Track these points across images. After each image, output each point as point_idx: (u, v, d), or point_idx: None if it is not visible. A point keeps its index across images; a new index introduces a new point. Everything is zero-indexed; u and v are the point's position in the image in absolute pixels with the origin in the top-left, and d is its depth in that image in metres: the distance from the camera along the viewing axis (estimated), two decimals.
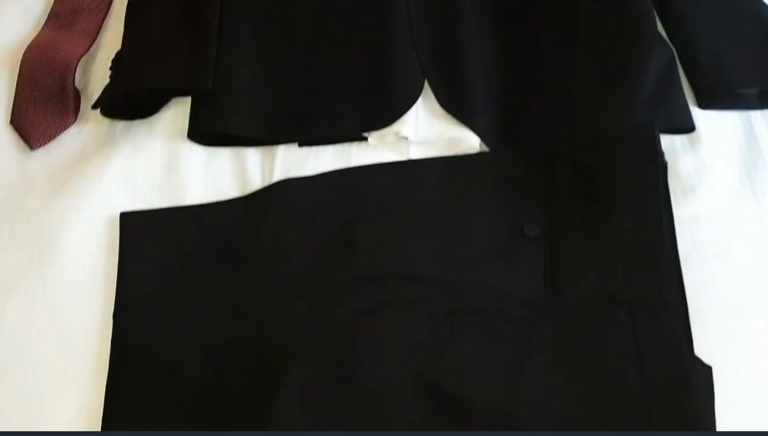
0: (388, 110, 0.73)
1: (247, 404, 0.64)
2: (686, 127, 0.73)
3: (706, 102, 0.75)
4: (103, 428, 0.65)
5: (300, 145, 0.76)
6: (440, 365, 0.63)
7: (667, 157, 0.71)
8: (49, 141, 0.77)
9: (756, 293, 0.66)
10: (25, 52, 0.81)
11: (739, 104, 0.75)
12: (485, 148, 0.74)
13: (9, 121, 0.79)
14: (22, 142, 0.78)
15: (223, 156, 0.76)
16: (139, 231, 0.72)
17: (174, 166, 0.76)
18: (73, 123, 0.78)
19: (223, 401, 0.65)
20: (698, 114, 0.75)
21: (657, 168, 0.66)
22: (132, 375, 0.67)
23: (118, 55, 0.79)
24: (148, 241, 0.72)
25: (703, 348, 0.63)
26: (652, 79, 0.72)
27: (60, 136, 0.78)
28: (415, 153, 0.74)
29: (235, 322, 0.68)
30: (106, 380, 0.66)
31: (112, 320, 0.68)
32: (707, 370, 0.62)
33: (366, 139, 0.75)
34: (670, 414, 0.60)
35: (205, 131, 0.76)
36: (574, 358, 0.63)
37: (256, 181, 0.75)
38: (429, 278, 0.67)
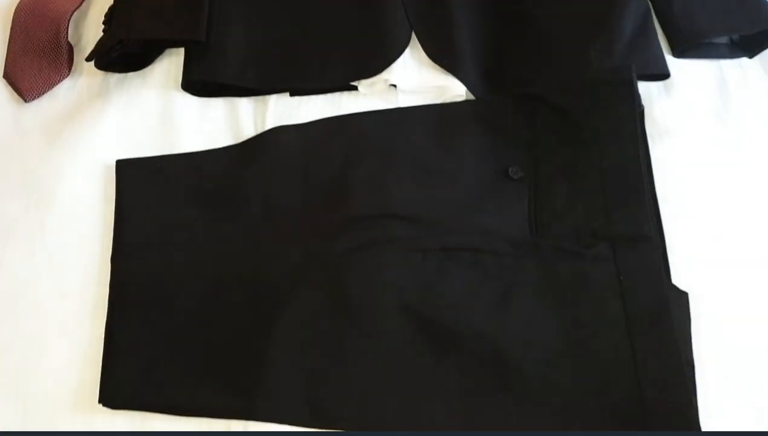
0: (376, 59, 0.75)
1: (244, 337, 0.67)
2: (662, 72, 0.76)
3: (680, 51, 0.78)
4: (103, 366, 0.67)
5: (291, 94, 0.78)
6: (430, 298, 0.66)
7: (644, 103, 0.74)
8: (43, 94, 0.79)
9: (728, 226, 0.70)
10: (18, 8, 0.82)
11: (711, 54, 0.79)
12: (471, 97, 0.76)
13: (2, 75, 0.80)
14: (16, 96, 0.79)
15: (217, 106, 0.78)
16: (135, 178, 0.74)
17: (168, 116, 0.78)
18: (66, 76, 0.79)
19: (219, 336, 0.68)
20: (673, 63, 0.78)
21: (635, 109, 0.69)
22: (131, 315, 0.69)
23: (111, 10, 0.80)
24: (144, 187, 0.74)
25: (679, 277, 0.67)
26: (630, 28, 0.75)
27: (54, 89, 0.79)
28: (404, 101, 0.77)
29: (230, 262, 0.70)
30: (105, 320, 0.69)
31: (110, 264, 0.71)
32: (684, 296, 0.66)
33: (356, 88, 0.78)
34: (651, 340, 0.63)
35: (198, 81, 0.77)
36: (558, 290, 0.66)
37: (248, 131, 0.77)
38: (419, 218, 0.69)
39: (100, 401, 0.66)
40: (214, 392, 0.66)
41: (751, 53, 0.79)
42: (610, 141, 0.70)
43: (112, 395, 0.66)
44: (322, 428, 0.65)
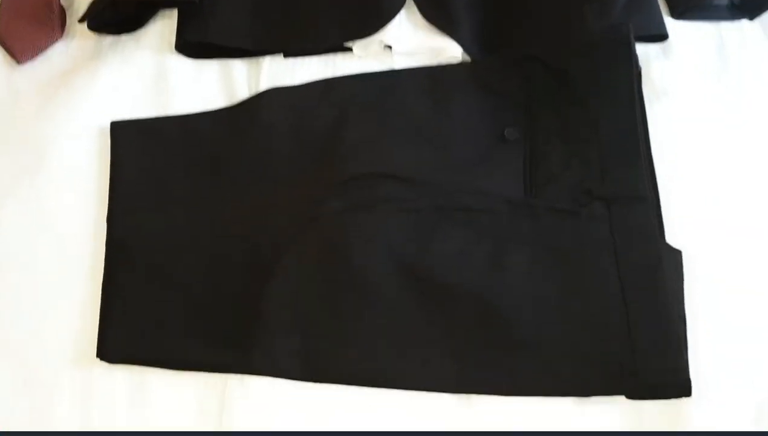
0: (372, 19, 0.75)
1: (239, 294, 0.68)
2: (660, 33, 0.75)
3: (679, 12, 0.77)
4: (101, 322, 0.68)
5: (285, 56, 0.77)
6: (424, 255, 0.66)
7: (641, 64, 0.73)
8: (36, 55, 0.79)
9: (724, 187, 0.70)
10: None
11: (710, 15, 0.78)
12: (467, 59, 0.76)
13: None
14: (9, 58, 0.79)
15: (210, 67, 0.78)
16: (130, 139, 0.74)
17: (162, 78, 0.77)
18: (59, 38, 0.79)
19: (215, 293, 0.68)
20: (671, 25, 0.77)
21: (632, 69, 0.69)
22: (127, 273, 0.69)
23: None
24: (139, 148, 0.74)
25: (674, 236, 0.67)
26: None
27: (47, 51, 0.79)
28: (399, 63, 0.76)
29: (224, 221, 0.70)
30: (102, 279, 0.69)
31: (105, 224, 0.71)
32: (677, 254, 0.66)
33: (351, 50, 0.77)
34: (643, 296, 0.63)
35: (192, 42, 0.77)
36: (552, 248, 0.66)
37: (242, 92, 0.77)
38: (413, 178, 0.69)
39: (98, 356, 0.66)
40: (210, 346, 0.66)
41: (752, 15, 0.78)
42: (607, 101, 0.70)
43: (110, 349, 0.67)
44: (316, 382, 0.65)
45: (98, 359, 0.67)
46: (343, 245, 0.66)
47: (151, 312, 0.68)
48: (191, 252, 0.70)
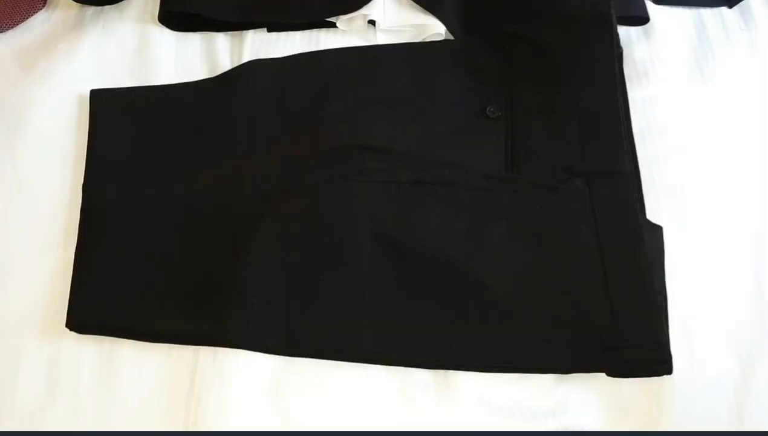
0: None
1: (216, 264, 0.66)
2: (641, 15, 0.76)
3: None
4: (71, 290, 0.66)
5: (269, 30, 0.77)
6: (405, 227, 0.66)
7: (623, 46, 0.74)
8: (17, 24, 0.78)
9: (702, 167, 0.70)
10: None
11: (690, 1, 0.79)
12: (450, 37, 0.76)
13: None
14: None
15: (193, 41, 0.78)
16: (109, 107, 0.73)
17: (144, 49, 0.77)
18: (41, 8, 0.78)
19: (191, 263, 0.67)
20: (652, 10, 0.78)
21: (613, 45, 0.69)
22: (101, 240, 0.68)
23: None
24: (118, 117, 0.73)
25: (654, 215, 0.67)
26: None
27: (28, 21, 0.78)
28: (383, 40, 0.77)
29: (203, 191, 0.69)
30: (75, 247, 0.68)
31: (81, 192, 0.70)
32: (658, 230, 0.66)
33: (334, 25, 0.77)
34: (624, 269, 0.63)
35: (175, 14, 0.76)
36: (532, 222, 0.66)
37: (225, 65, 0.76)
38: (395, 151, 0.69)
39: (67, 325, 0.65)
40: (184, 316, 0.65)
41: (731, 3, 0.79)
42: (588, 78, 0.70)
43: (80, 318, 0.65)
44: (294, 356, 0.64)
45: (67, 330, 0.65)
46: (322, 213, 0.66)
47: (124, 281, 0.67)
48: (167, 220, 0.69)
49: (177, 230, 0.68)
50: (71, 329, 0.65)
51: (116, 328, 0.66)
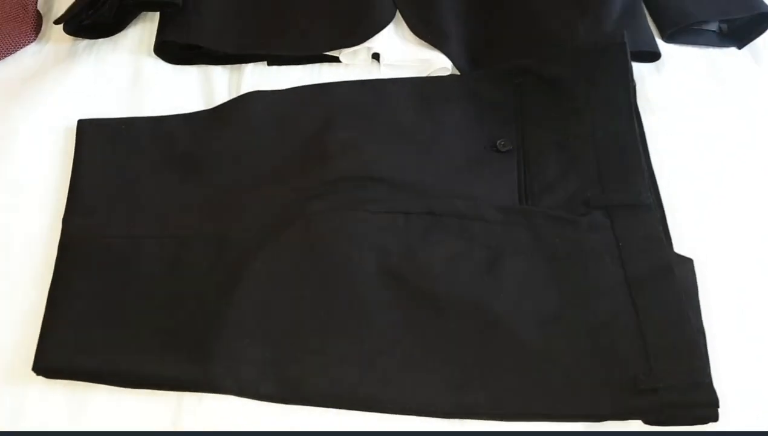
0: (361, 28, 0.72)
1: (203, 301, 0.60)
2: (652, 50, 0.74)
3: (669, 35, 0.77)
4: (42, 330, 0.59)
5: (269, 64, 0.74)
6: (413, 262, 0.60)
7: (635, 81, 0.71)
8: (7, 55, 0.74)
9: (725, 195, 0.67)
10: None
11: (700, 41, 0.77)
12: (456, 72, 0.73)
13: None
14: None
15: (190, 73, 0.74)
16: (96, 137, 0.69)
17: (138, 82, 0.74)
18: (33, 40, 0.75)
19: (176, 301, 0.60)
20: (663, 48, 0.76)
21: (629, 72, 0.67)
22: (78, 277, 0.62)
23: None
24: (105, 147, 0.69)
25: (682, 248, 0.63)
26: (618, 7, 0.74)
27: (19, 53, 0.75)
28: (387, 75, 0.74)
29: (194, 225, 0.64)
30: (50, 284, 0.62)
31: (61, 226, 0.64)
32: (689, 263, 0.61)
33: (337, 59, 0.74)
34: (656, 304, 0.58)
35: (171, 46, 0.73)
36: (552, 257, 0.61)
37: (222, 100, 0.72)
38: (402, 182, 0.65)
39: (33, 369, 0.57)
40: (166, 358, 0.58)
41: (740, 44, 0.78)
42: (604, 108, 0.67)
43: (49, 361, 0.58)
44: (290, 403, 0.57)
45: (34, 375, 0.57)
46: (321, 244, 0.60)
47: (101, 320, 0.60)
48: (153, 256, 0.63)
49: (162, 266, 0.62)
50: (38, 374, 0.58)
51: (89, 372, 0.58)
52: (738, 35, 0.78)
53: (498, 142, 0.68)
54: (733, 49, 0.78)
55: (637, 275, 0.59)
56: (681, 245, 0.63)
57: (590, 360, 0.56)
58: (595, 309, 0.58)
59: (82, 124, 0.69)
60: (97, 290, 0.61)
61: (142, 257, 0.63)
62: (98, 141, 0.68)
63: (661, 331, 0.56)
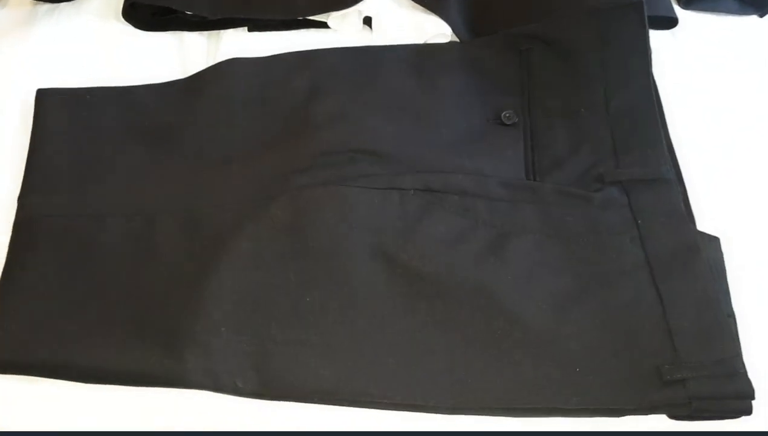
0: None
1: (175, 286, 0.53)
2: (669, 15, 0.68)
3: (686, 1, 0.71)
4: None
5: (249, 30, 0.68)
6: (410, 242, 0.54)
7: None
8: None
9: (742, 175, 0.62)
10: None
11: (718, 8, 0.72)
12: (455, 39, 0.67)
13: None
14: None
15: (162, 40, 0.68)
16: (57, 109, 0.62)
17: (104, 50, 0.67)
18: None
19: (145, 285, 0.54)
20: (680, 16, 0.69)
21: (646, 36, 0.60)
22: (35, 259, 0.55)
23: None
24: (67, 119, 0.62)
25: (705, 227, 0.56)
26: None
27: None
28: (380, 41, 0.67)
29: (165, 202, 0.57)
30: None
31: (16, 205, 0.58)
32: (715, 242, 0.55)
33: (325, 25, 0.68)
34: (681, 287, 0.52)
35: (142, 9, 0.67)
36: (564, 237, 0.55)
37: (198, 69, 0.65)
38: (396, 156, 0.58)
39: None
40: (132, 351, 0.51)
41: (762, 11, 0.72)
42: (618, 76, 0.61)
43: (2, 354, 0.51)
44: (274, 399, 0.51)
45: None
46: (309, 224, 0.54)
47: (60, 309, 0.53)
48: (118, 236, 0.56)
49: (128, 247, 0.56)
50: None
51: (45, 366, 0.52)
52: (759, 2, 0.72)
53: (503, 114, 0.62)
54: (753, 18, 0.72)
55: (660, 255, 0.53)
56: (702, 224, 0.57)
57: (609, 350, 0.50)
58: (614, 294, 0.52)
59: (41, 93, 0.62)
60: (55, 275, 0.55)
61: (106, 237, 0.56)
62: (59, 112, 0.62)
63: (687, 316, 0.50)
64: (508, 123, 0.62)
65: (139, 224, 0.56)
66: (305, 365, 0.51)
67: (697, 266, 0.52)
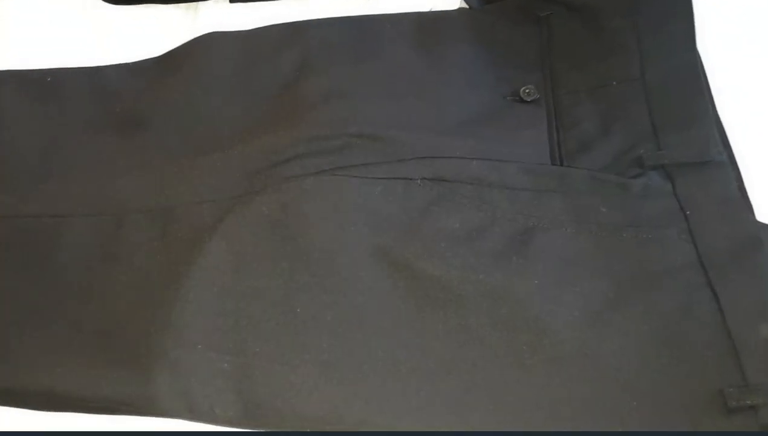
0: None
1: (144, 295, 0.46)
2: None
3: None
4: None
5: (231, 0, 0.60)
6: (418, 241, 0.47)
7: None
8: None
9: None
10: None
11: None
12: (465, 6, 0.59)
13: None
14: None
15: (133, 13, 0.60)
16: (15, 93, 0.56)
17: (70, 25, 0.60)
18: None
19: (109, 295, 0.47)
20: None
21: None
22: None
23: None
24: (27, 105, 0.56)
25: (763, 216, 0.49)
26: None
27: None
28: (381, 9, 0.59)
29: (134, 196, 0.51)
30: None
31: None
32: None
33: None
34: (743, 289, 0.44)
35: None
36: (600, 232, 0.47)
37: (175, 46, 0.58)
38: (402, 140, 0.50)
39: None
40: (95, 372, 0.45)
41: None
42: (656, 42, 0.53)
43: None
44: (258, 428, 0.44)
45: None
46: (300, 220, 0.47)
47: (13, 324, 0.47)
48: (81, 239, 0.50)
49: (92, 252, 0.49)
50: None
51: None
52: None
53: (521, 89, 0.54)
54: None
55: (714, 252, 0.45)
56: (761, 214, 0.49)
57: (657, 368, 0.42)
58: (660, 299, 0.44)
59: None
60: (9, 284, 0.48)
61: (68, 240, 0.50)
62: (15, 97, 0.56)
63: (753, 326, 0.42)
64: (528, 100, 0.54)
65: (104, 224, 0.50)
66: (295, 387, 0.44)
67: (759, 263, 0.44)
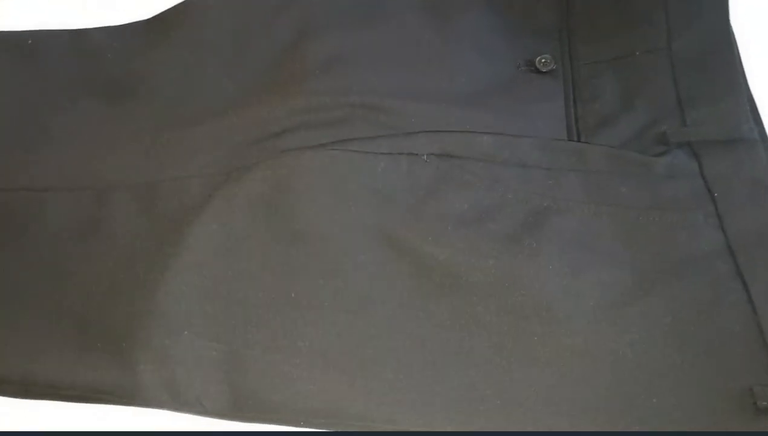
0: None
1: (126, 275, 0.43)
2: None
3: None
4: None
5: None
6: (423, 223, 0.44)
7: None
8: None
9: None
10: None
11: None
12: None
13: None
14: None
15: None
16: None
17: None
18: None
19: (92, 277, 0.44)
20: None
21: None
22: None
23: None
24: (6, 69, 0.52)
25: None
26: None
27: None
28: None
29: (119, 170, 0.47)
30: None
31: None
32: None
33: None
34: None
35: None
36: (620, 215, 0.44)
37: (163, 9, 0.54)
38: (407, 112, 0.47)
39: None
40: (75, 359, 0.42)
41: None
42: (683, 10, 0.49)
43: None
44: (247, 420, 0.41)
45: None
46: (295, 198, 0.43)
47: None
48: (61, 215, 0.47)
49: (72, 230, 0.46)
50: None
51: None
52: None
53: (537, 59, 0.51)
54: None
55: (744, 238, 0.42)
56: None
57: (679, 364, 0.40)
58: (685, 288, 0.41)
59: None
60: None
61: (47, 217, 0.47)
62: None
63: None
64: (544, 70, 0.51)
65: (86, 200, 0.47)
66: (289, 377, 0.41)
67: None
